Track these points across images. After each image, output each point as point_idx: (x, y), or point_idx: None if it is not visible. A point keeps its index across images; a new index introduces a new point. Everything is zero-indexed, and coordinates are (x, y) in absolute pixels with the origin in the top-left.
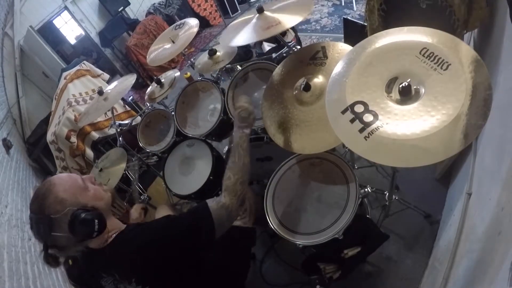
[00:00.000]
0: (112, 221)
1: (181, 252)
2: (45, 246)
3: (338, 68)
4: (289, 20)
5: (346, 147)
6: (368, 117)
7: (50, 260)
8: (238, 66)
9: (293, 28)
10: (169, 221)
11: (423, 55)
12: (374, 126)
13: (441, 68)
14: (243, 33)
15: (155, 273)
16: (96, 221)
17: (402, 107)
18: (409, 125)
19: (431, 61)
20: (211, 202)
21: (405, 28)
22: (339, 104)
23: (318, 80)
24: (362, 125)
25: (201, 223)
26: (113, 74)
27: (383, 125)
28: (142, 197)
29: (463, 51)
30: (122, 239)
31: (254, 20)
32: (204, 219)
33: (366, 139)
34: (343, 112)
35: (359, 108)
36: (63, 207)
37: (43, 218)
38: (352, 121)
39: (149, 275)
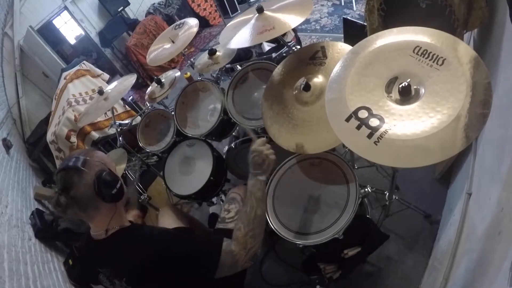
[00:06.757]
0: (121, 215)
1: (174, 269)
2: (61, 191)
3: (337, 68)
4: (290, 21)
5: (346, 147)
6: (374, 122)
7: (59, 206)
8: (238, 66)
9: (293, 28)
10: (176, 238)
11: (417, 53)
12: (382, 130)
13: (437, 63)
14: (243, 35)
15: (146, 279)
16: (118, 185)
17: (402, 108)
18: (413, 125)
19: (425, 58)
20: (225, 242)
21: (404, 28)
22: (342, 112)
23: (318, 80)
24: (370, 130)
25: (204, 259)
26: (113, 74)
27: (391, 128)
28: (142, 197)
29: (462, 50)
30: (124, 235)
31: (253, 21)
32: (211, 256)
33: (376, 144)
34: (347, 119)
35: (363, 114)
36: (96, 166)
37: (75, 168)
38: (358, 127)
39: (140, 280)
